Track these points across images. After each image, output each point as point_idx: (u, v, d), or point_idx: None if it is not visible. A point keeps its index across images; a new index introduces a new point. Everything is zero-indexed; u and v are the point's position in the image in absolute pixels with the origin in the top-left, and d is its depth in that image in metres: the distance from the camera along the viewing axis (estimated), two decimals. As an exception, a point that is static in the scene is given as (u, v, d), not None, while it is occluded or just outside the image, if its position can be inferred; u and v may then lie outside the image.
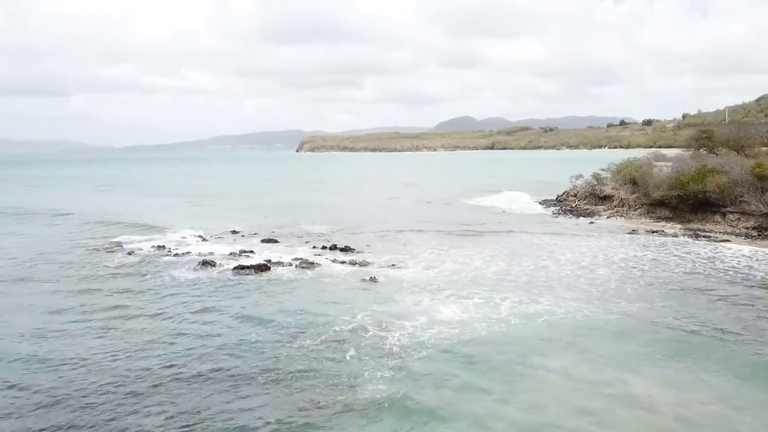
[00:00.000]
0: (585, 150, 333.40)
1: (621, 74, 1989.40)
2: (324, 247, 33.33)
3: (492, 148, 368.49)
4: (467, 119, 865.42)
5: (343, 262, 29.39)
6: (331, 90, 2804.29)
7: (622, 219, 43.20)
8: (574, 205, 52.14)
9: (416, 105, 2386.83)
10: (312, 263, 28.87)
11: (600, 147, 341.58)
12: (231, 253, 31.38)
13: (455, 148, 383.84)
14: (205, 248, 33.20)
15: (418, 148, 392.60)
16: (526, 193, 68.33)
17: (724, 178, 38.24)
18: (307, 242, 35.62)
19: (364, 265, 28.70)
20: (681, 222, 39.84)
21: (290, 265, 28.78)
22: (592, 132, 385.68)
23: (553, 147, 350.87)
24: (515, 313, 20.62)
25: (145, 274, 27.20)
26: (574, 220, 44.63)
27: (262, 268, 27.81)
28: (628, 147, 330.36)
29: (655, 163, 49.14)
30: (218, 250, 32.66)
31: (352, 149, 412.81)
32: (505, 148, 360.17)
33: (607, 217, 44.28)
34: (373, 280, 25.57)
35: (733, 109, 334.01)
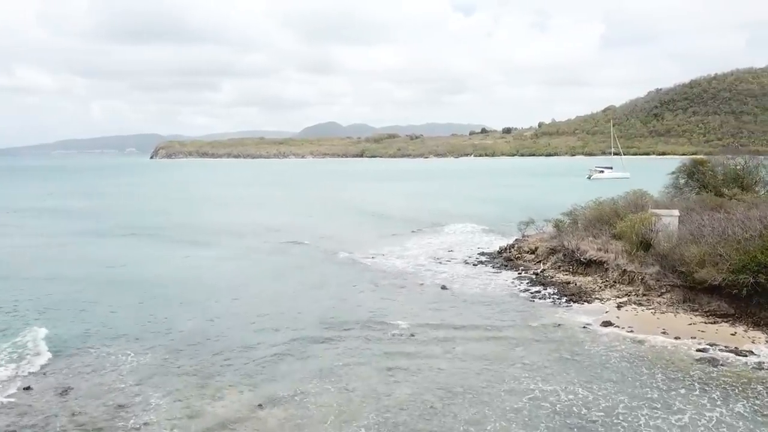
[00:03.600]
0: (452, 158, 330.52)
1: (473, 83, 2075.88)
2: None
3: (362, 155, 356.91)
4: (333, 125, 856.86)
5: None
6: (185, 92, 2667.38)
7: (646, 311, 27.01)
8: (539, 271, 35.59)
9: (279, 110, 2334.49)
10: None
11: (466, 155, 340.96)
12: None
13: (324, 155, 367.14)
14: None
15: (285, 155, 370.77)
16: (442, 234, 51.54)
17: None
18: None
19: None
20: (756, 325, 24.27)
21: None
22: (456, 140, 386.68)
23: (421, 155, 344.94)
24: None
25: None
26: (564, 308, 27.95)
27: None
28: (493, 155, 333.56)
29: (655, 212, 33.72)
30: None
31: (213, 155, 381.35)
32: (374, 156, 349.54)
33: (618, 306, 27.90)
34: None
35: (584, 119, 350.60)
